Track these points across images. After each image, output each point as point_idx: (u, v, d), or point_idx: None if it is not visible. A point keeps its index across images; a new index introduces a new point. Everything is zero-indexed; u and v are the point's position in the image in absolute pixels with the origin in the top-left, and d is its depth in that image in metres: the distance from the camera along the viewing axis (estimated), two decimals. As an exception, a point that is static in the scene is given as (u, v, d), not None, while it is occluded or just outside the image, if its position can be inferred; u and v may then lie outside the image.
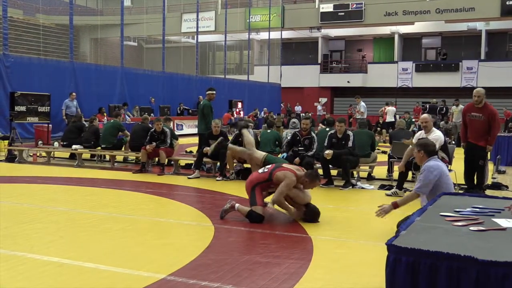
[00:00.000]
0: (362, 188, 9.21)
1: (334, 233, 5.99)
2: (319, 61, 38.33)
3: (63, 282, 4.25)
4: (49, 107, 14.73)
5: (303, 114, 23.30)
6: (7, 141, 13.18)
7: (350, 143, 9.27)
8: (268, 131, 11.17)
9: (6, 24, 17.24)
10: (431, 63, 35.45)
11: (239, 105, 27.70)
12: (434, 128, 8.48)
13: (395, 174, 9.23)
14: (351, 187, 9.12)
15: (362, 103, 21.79)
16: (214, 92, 11.34)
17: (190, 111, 24.31)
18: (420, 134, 8.52)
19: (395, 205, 5.37)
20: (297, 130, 10.21)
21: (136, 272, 4.45)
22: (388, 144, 14.06)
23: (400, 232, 3.12)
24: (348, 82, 36.46)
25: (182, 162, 11.45)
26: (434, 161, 5.44)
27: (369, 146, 10.17)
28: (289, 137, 10.23)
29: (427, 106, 23.16)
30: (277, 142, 10.69)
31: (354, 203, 8.06)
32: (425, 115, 8.87)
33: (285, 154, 9.73)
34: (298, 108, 35.23)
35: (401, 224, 4.30)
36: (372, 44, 38.93)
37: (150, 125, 11.87)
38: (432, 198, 4.66)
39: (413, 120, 20.39)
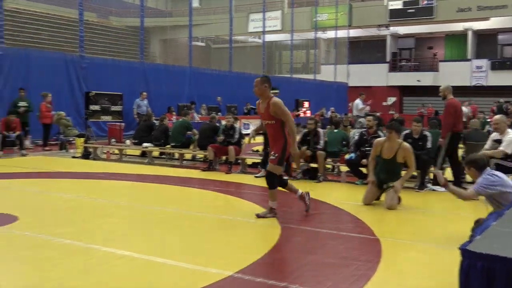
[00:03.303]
0: (433, 190, 8.94)
1: (403, 235, 5.85)
2: (388, 60, 37.53)
3: (134, 276, 4.39)
4: (121, 106, 15.25)
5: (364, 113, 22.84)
6: (83, 138, 13.77)
7: (428, 144, 9.01)
8: (335, 130, 11.05)
9: (82, 27, 18.03)
10: (508, 61, 33.84)
11: (306, 104, 27.57)
12: (509, 129, 8.13)
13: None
14: (426, 188, 8.91)
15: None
16: (278, 91, 11.45)
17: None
18: (495, 135, 8.23)
19: (445, 185, 5.54)
20: (364, 129, 10.04)
21: (204, 269, 4.53)
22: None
23: (475, 237, 3.00)
24: (418, 81, 35.46)
25: (249, 161, 11.54)
26: (488, 175, 5.26)
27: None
28: (356, 137, 10.09)
29: (495, 106, 22.24)
30: (344, 142, 10.57)
31: (425, 205, 7.84)
32: (497, 116, 8.59)
33: (353, 155, 9.60)
34: (366, 108, 34.63)
35: (475, 229, 4.15)
36: (443, 42, 37.68)
37: (217, 124, 12.05)
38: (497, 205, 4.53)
39: (488, 120, 19.57)
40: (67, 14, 20.60)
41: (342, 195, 8.55)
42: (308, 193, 6.86)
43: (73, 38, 19.12)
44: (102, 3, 31.28)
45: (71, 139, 14.86)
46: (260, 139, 10.36)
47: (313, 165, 10.03)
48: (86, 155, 13.03)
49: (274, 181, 6.51)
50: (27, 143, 14.15)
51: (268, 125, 6.55)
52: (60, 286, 4.10)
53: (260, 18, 30.59)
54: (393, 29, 36.21)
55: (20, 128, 13.42)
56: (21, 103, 14.25)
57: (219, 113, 19.94)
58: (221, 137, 10.97)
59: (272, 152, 6.47)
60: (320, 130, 10.25)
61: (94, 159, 12.88)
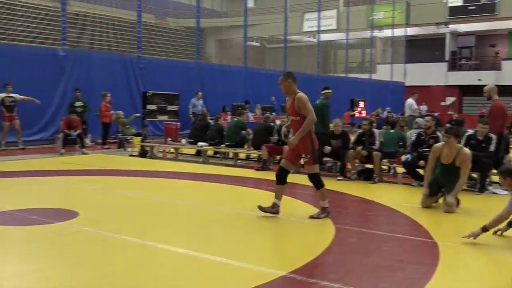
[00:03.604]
0: (494, 193, 8.60)
1: (462, 239, 5.65)
2: (447, 58, 36.47)
3: (188, 273, 4.45)
4: (177, 106, 15.50)
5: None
6: (140, 137, 14.09)
7: (491, 147, 8.68)
8: (391, 131, 10.83)
9: (140, 28, 18.47)
10: None
11: (361, 104, 27.17)
12: None
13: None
14: (487, 191, 8.60)
15: None
16: (331, 91, 11.50)
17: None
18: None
19: (484, 229, 5.32)
20: (422, 130, 9.78)
21: (257, 268, 4.52)
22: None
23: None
24: (479, 80, 34.25)
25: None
26: None
27: (503, 149, 9.47)
28: (413, 137, 9.84)
29: None
30: (400, 143, 10.34)
31: (485, 208, 7.55)
32: None
33: (409, 156, 9.37)
34: (423, 107, 33.79)
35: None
36: (507, 39, 36.23)
37: (272, 124, 12.06)
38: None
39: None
40: (126, 16, 21.17)
41: (398, 197, 8.36)
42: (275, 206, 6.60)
43: (131, 40, 19.62)
44: (160, 5, 31.93)
45: (129, 137, 15.24)
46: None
47: (369, 166, 9.86)
48: (143, 154, 13.33)
49: (318, 180, 6.47)
50: (87, 141, 14.62)
51: (293, 122, 6.48)
52: (116, 281, 4.20)
53: (315, 17, 30.40)
54: (453, 27, 35.14)
55: (81, 127, 13.89)
56: (78, 103, 14.79)
57: (273, 113, 19.95)
58: (275, 137, 10.97)
59: (303, 155, 6.40)
60: (376, 131, 10.08)
61: (150, 157, 13.16)
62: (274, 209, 6.56)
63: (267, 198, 8.10)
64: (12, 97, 13.72)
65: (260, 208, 6.55)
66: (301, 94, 6.37)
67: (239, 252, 5.04)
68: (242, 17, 24.43)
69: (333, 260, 4.85)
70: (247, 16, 23.76)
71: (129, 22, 20.63)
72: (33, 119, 14.82)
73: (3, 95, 13.59)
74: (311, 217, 6.49)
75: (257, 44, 39.76)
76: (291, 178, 10.00)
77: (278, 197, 6.59)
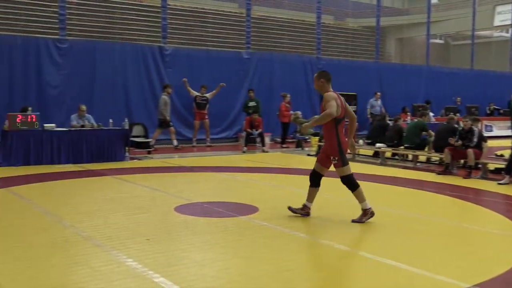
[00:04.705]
0: None
1: None
2: None
3: (364, 275, 4.39)
4: (355, 106, 15.40)
5: None
6: (318, 137, 14.28)
7: None
8: None
9: (319, 30, 18.76)
10: None
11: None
12: None
13: None
14: None
15: None
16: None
17: (501, 111, 22.36)
18: None
19: None
20: None
21: (436, 276, 4.29)
22: None
23: None
24: None
25: (491, 166, 10.60)
26: None
27: None
28: None
29: None
30: None
31: None
32: None
33: None
34: None
35: None
36: None
37: (455, 126, 11.35)
38: None
39: None
40: (307, 19, 21.62)
41: None
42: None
43: (311, 41, 20.01)
44: (339, 6, 32.06)
45: (307, 137, 15.55)
46: (505, 142, 9.44)
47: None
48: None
49: (351, 182, 6.16)
50: (267, 140, 15.26)
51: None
52: (295, 276, 4.30)
53: (509, 10, 27.88)
54: None
55: (262, 127, 14.55)
56: (251, 103, 15.53)
57: (457, 114, 18.77)
58: (458, 142, 10.22)
59: (332, 157, 6.17)
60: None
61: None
62: (304, 211, 6.36)
63: (449, 204, 7.67)
64: (205, 96, 14.97)
65: (290, 209, 6.41)
66: (328, 92, 6.13)
67: (416, 258, 4.81)
68: (425, 14, 23.41)
69: (525, 276, 4.40)
70: (431, 13, 22.71)
71: (309, 24, 21.04)
72: (219, 118, 15.96)
73: (196, 93, 14.89)
74: (354, 221, 6.15)
75: (441, 41, 37.74)
76: (478, 184, 9.34)
77: (310, 199, 6.38)
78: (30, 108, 11.79)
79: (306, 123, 6.33)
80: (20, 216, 6.35)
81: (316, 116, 6.11)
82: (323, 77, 6.29)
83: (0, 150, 10.62)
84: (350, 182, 6.19)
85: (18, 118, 10.62)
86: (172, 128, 14.33)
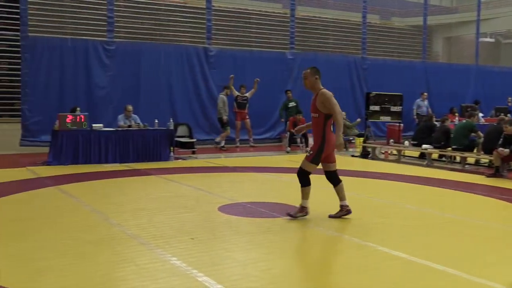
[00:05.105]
0: None
1: None
2: None
3: (409, 279, 4.30)
4: (401, 107, 15.13)
5: None
6: (362, 138, 14.12)
7: None
8: None
9: (365, 30, 18.53)
10: None
11: None
12: None
13: None
14: None
15: None
16: None
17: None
18: None
19: None
20: None
21: (484, 282, 4.16)
22: None
23: None
24: None
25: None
26: None
27: None
28: None
29: None
30: None
31: None
32: None
33: None
34: None
35: None
36: None
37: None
38: None
39: None
40: (352, 18, 21.40)
41: None
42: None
43: (356, 41, 19.80)
44: (385, 5, 31.62)
45: (351, 138, 15.39)
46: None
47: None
48: (364, 155, 13.33)
49: (305, 178, 6.16)
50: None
51: (313, 119, 6.22)
52: (338, 280, 4.26)
53: None
54: None
55: (305, 127, 14.48)
56: (291, 104, 15.53)
57: (508, 115, 18.17)
58: (504, 151, 9.82)
59: (309, 149, 6.26)
60: None
61: (372, 158, 13.08)
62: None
63: (500, 208, 7.43)
64: (245, 96, 15.06)
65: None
66: (325, 90, 6.11)
67: (463, 262, 4.68)
68: (474, 12, 22.80)
69: None
70: (480, 11, 22.09)
71: (354, 23, 20.84)
72: (262, 119, 16.00)
73: (237, 93, 14.99)
74: (288, 214, 6.25)
75: (491, 40, 36.71)
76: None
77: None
78: (79, 109, 12.13)
79: (341, 142, 6.26)
80: (69, 213, 6.53)
81: (336, 128, 6.11)
82: (317, 73, 6.24)
83: (50, 149, 10.96)
84: (304, 177, 6.20)
85: (68, 118, 10.92)
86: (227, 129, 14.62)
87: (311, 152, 6.21)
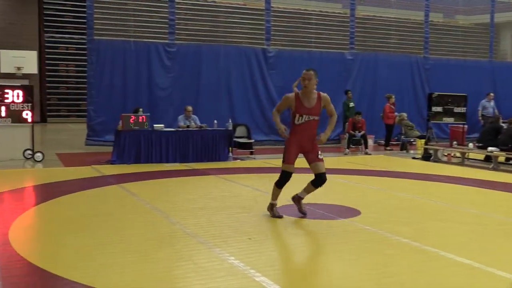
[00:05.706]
0: None
1: None
2: None
3: (473, 285, 4.15)
4: (465, 108, 14.64)
5: None
6: (424, 140, 13.77)
7: None
8: None
9: (427, 28, 18.08)
10: None
11: None
12: None
13: None
14: None
15: None
16: None
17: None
18: None
19: None
20: None
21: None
22: None
23: None
24: None
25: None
26: None
27: None
28: None
29: None
30: None
31: None
32: None
33: None
34: None
35: None
36: None
37: None
38: None
39: None
40: (414, 17, 20.89)
41: None
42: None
43: (418, 40, 19.32)
44: (449, 3, 30.73)
45: (412, 140, 15.04)
46: None
47: None
48: (426, 157, 12.98)
49: (280, 177, 6.43)
50: (370, 142, 14.95)
51: (314, 121, 6.30)
52: (395, 283, 4.17)
53: None
54: None
55: (365, 128, 14.27)
56: (351, 104, 15.46)
57: None
58: None
59: (319, 152, 6.44)
60: None
61: (434, 161, 12.73)
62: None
63: None
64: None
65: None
66: (324, 93, 6.30)
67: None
68: None
69: None
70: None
71: (416, 22, 20.33)
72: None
73: None
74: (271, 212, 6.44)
75: None
76: None
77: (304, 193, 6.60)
78: (141, 109, 12.45)
79: (326, 135, 6.39)
80: (131, 211, 6.72)
81: (330, 127, 6.37)
82: (317, 77, 6.30)
83: (114, 148, 11.31)
84: (280, 177, 6.39)
85: (131, 119, 11.24)
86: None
87: (320, 154, 6.50)
